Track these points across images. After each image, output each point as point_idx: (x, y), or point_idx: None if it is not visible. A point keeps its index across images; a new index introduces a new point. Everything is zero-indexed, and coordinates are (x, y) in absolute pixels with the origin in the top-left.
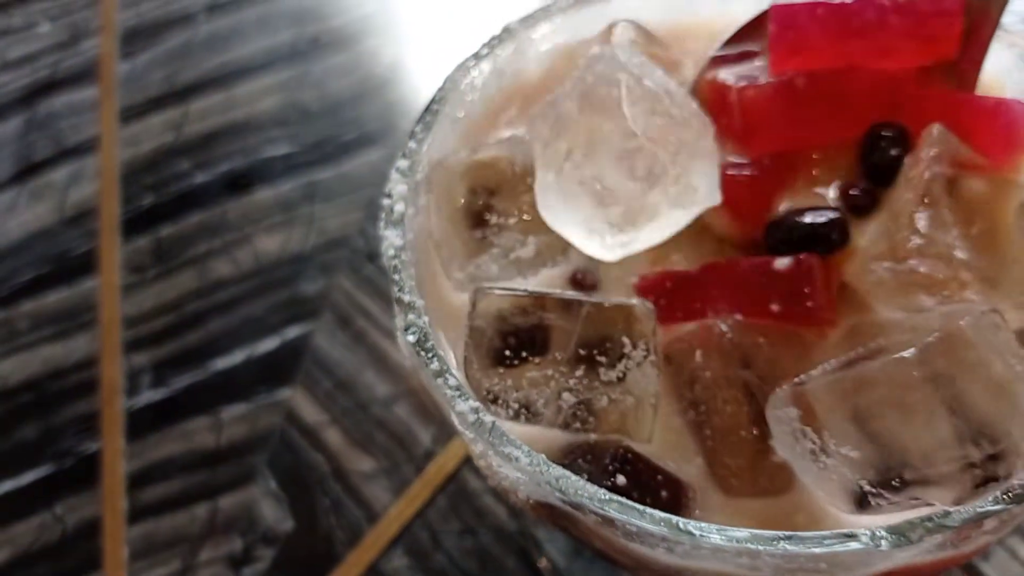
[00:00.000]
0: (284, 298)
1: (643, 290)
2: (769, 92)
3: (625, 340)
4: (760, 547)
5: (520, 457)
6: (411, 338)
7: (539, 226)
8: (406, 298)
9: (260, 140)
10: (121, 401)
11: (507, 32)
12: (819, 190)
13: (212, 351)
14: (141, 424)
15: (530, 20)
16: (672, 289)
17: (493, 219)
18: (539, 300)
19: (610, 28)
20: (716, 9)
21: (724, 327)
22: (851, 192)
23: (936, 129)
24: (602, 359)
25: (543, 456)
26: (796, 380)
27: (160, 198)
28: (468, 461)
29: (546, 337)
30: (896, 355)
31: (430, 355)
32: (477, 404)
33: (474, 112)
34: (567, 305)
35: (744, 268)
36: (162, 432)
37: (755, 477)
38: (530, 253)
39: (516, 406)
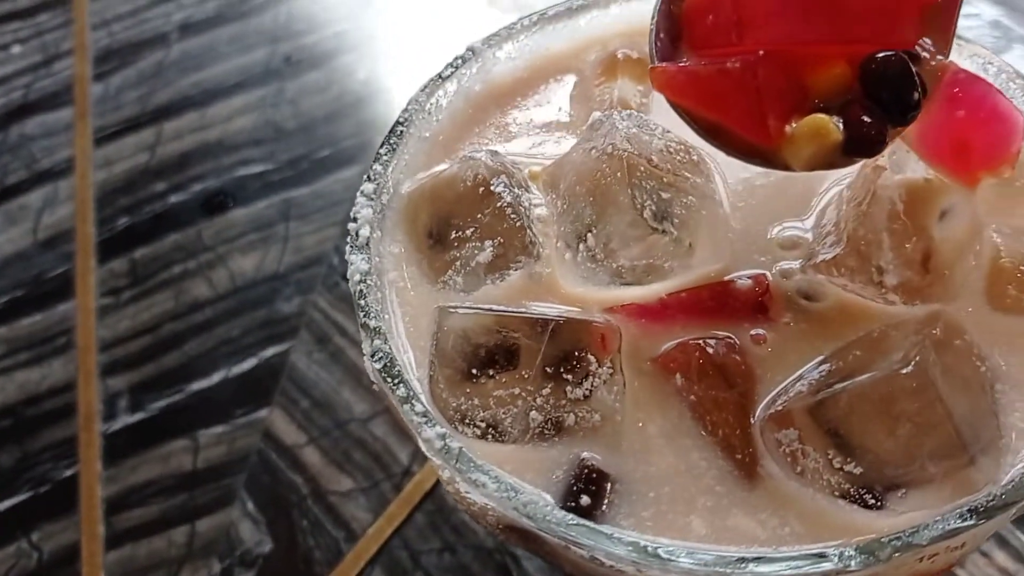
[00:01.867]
0: (260, 318)
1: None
2: None
3: (591, 358)
4: (728, 569)
5: (487, 483)
6: (377, 365)
7: (493, 230)
8: (372, 323)
9: (235, 159)
10: (98, 425)
11: (471, 52)
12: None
13: (189, 373)
14: (118, 448)
15: (494, 39)
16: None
17: (452, 234)
18: (504, 319)
19: (612, 57)
20: None
21: (706, 346)
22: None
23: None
24: (568, 377)
25: (510, 482)
26: (785, 399)
27: (135, 219)
28: None
29: (512, 355)
30: (883, 370)
31: (396, 381)
32: (444, 431)
33: (441, 132)
34: (533, 323)
35: None
36: (139, 456)
37: None
38: (488, 257)
39: (483, 425)
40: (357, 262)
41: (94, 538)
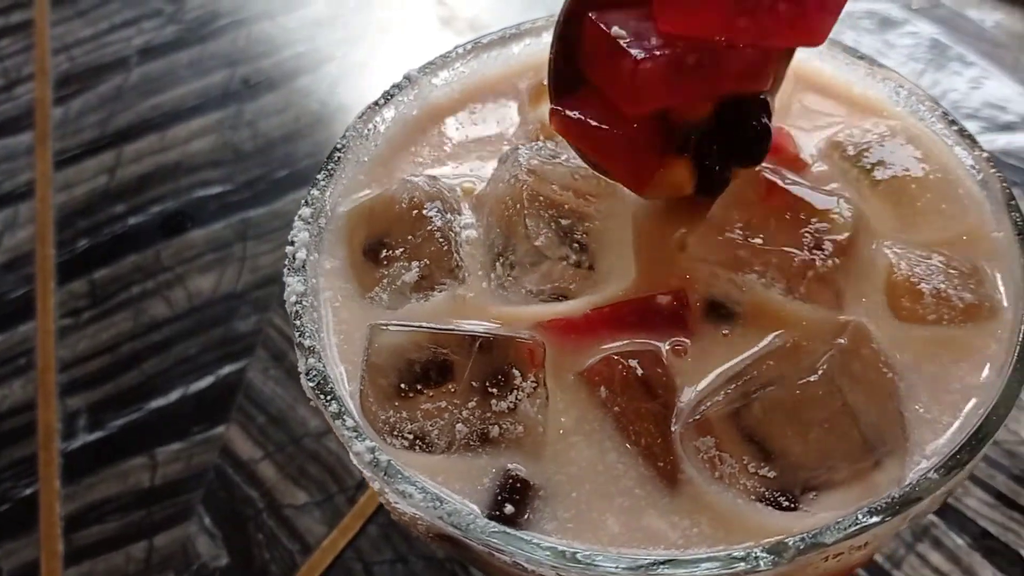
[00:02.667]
0: (218, 336)
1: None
2: (662, 66)
3: (516, 372)
4: (642, 572)
5: (414, 494)
6: (311, 383)
7: (422, 252)
8: (307, 343)
9: (193, 181)
10: (57, 444)
11: (407, 80)
12: None
13: (147, 391)
14: (77, 466)
15: (430, 67)
16: None
17: (384, 253)
18: (433, 335)
19: (540, 84)
20: None
21: (628, 361)
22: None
23: None
24: (494, 391)
25: (435, 492)
26: (703, 409)
27: (94, 241)
28: None
29: (440, 370)
30: (793, 378)
31: (329, 398)
32: (373, 444)
33: (379, 156)
34: (460, 340)
35: None
36: (98, 473)
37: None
38: (414, 277)
39: (411, 437)
40: (293, 284)
41: (54, 555)
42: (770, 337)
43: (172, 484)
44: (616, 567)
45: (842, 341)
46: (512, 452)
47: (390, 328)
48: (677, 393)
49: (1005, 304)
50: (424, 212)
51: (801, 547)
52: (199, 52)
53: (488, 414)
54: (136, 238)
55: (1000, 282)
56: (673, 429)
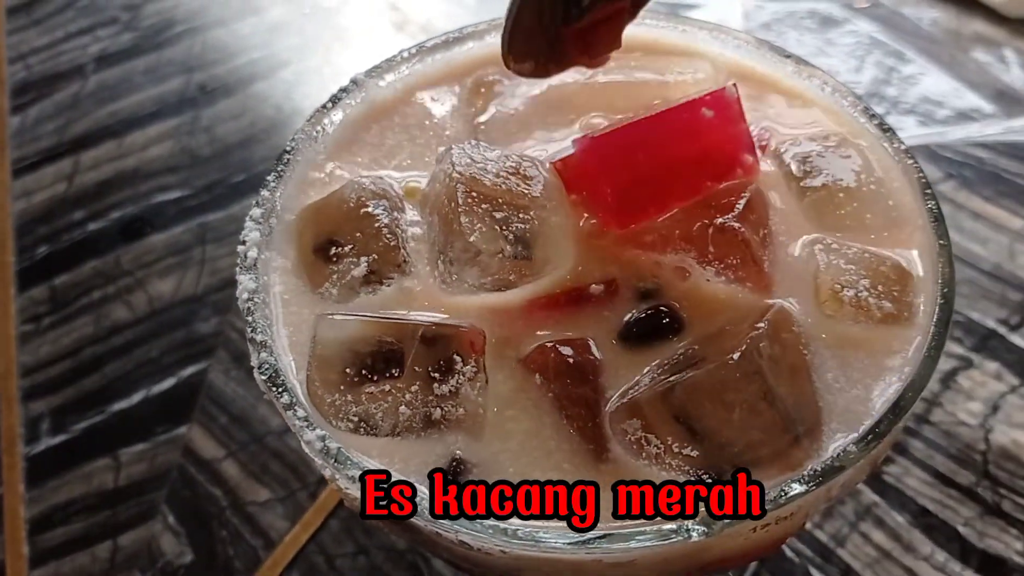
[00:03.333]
0: (179, 339)
1: None
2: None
3: (456, 358)
4: (582, 546)
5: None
6: (263, 376)
7: (369, 248)
8: (259, 338)
9: (152, 187)
10: (20, 448)
11: (354, 83)
12: None
13: (110, 394)
14: (41, 469)
15: (376, 71)
16: None
17: (333, 250)
18: (377, 324)
19: (479, 82)
20: None
21: (561, 349)
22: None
23: None
24: (436, 375)
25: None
26: (631, 393)
27: (54, 247)
28: None
29: (384, 357)
30: (716, 360)
31: (280, 389)
32: (324, 433)
33: (327, 158)
34: (403, 328)
35: None
36: (62, 476)
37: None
38: (363, 272)
39: (356, 419)
40: (245, 281)
41: (19, 557)
42: (704, 321)
43: (136, 484)
44: (557, 542)
45: (763, 324)
46: (454, 433)
47: (335, 317)
48: (608, 378)
49: (922, 309)
50: (370, 210)
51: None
52: (155, 59)
53: (430, 397)
54: (96, 244)
55: (920, 267)
56: (603, 412)
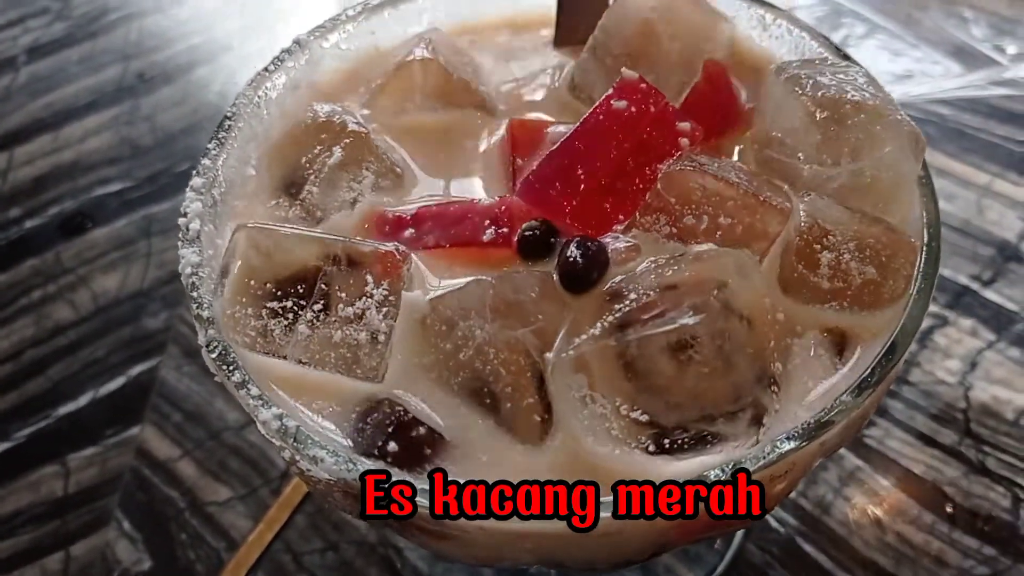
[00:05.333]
0: (127, 336)
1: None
2: None
3: (369, 279)
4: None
5: (325, 458)
6: (213, 354)
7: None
8: (205, 314)
9: (91, 180)
10: None
11: (297, 44)
12: None
13: (55, 397)
14: None
15: (320, 30)
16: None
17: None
18: (296, 237)
19: (419, 38)
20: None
21: (496, 283)
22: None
23: None
24: (342, 295)
25: (346, 455)
26: (577, 343)
27: None
28: None
29: (294, 272)
30: (672, 322)
31: (231, 368)
32: (280, 411)
33: (271, 124)
34: (320, 243)
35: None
36: (6, 486)
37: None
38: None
39: (253, 334)
40: (188, 255)
41: None
42: (646, 263)
43: (87, 491)
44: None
45: (723, 291)
46: (353, 362)
47: (254, 226)
48: (553, 324)
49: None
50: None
51: (722, 477)
52: (90, 48)
53: (333, 319)
54: (34, 241)
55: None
56: (544, 362)
